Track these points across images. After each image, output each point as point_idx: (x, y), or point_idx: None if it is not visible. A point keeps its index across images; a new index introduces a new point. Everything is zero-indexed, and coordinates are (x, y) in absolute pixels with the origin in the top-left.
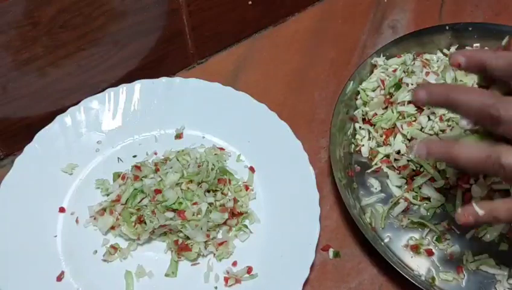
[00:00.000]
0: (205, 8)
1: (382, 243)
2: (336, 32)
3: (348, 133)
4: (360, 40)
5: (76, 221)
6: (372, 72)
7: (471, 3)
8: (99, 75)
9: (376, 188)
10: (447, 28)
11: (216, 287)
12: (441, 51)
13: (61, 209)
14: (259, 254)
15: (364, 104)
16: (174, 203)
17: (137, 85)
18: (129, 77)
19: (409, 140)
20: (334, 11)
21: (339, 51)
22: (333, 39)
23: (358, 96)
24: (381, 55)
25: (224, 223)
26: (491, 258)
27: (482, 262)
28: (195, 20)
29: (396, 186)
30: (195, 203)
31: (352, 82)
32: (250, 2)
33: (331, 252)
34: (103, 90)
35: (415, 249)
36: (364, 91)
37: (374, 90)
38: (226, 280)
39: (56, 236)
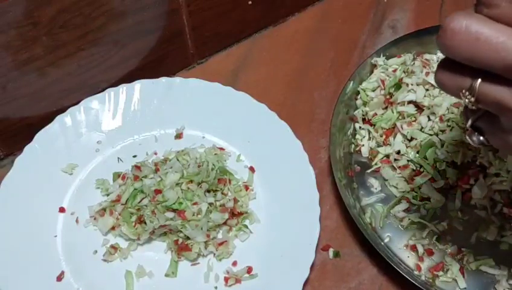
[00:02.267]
0: (205, 8)
1: (382, 243)
2: (336, 32)
3: (348, 133)
4: (360, 40)
5: (76, 221)
6: (372, 72)
7: (471, 3)
8: (99, 75)
9: (376, 188)
10: None
11: (216, 287)
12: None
13: (61, 209)
14: (259, 254)
15: (364, 104)
16: (174, 203)
17: (137, 85)
18: (129, 77)
19: (409, 140)
20: (334, 11)
21: (339, 51)
22: (333, 39)
23: (358, 97)
24: (381, 55)
25: (225, 223)
26: (491, 259)
27: (482, 262)
28: (195, 20)
29: (396, 186)
30: (195, 203)
31: (352, 82)
32: (250, 2)
33: (331, 252)
34: (103, 90)
35: (415, 249)
36: (364, 91)
37: (374, 90)
38: (226, 279)
39: (56, 236)
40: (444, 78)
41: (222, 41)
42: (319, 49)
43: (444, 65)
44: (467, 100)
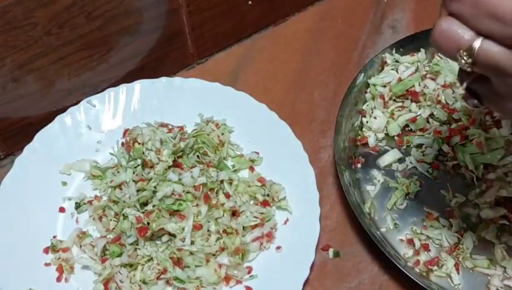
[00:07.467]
0: (205, 8)
1: (378, 233)
2: (336, 32)
3: (355, 124)
4: (360, 40)
5: (77, 221)
6: (383, 67)
7: None
8: (99, 75)
9: (379, 180)
10: None
11: (215, 288)
12: None
13: (61, 209)
14: (259, 254)
15: (373, 98)
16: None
17: (137, 85)
18: (129, 77)
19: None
20: (334, 11)
21: (339, 51)
22: (333, 39)
23: (368, 90)
24: (394, 52)
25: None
26: (487, 258)
27: (478, 261)
28: (195, 20)
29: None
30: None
31: (362, 74)
32: (250, 2)
33: (331, 252)
34: (103, 90)
35: (412, 242)
36: (374, 86)
37: (383, 86)
38: (227, 280)
39: (56, 236)
40: (442, 39)
41: (222, 41)
42: (319, 49)
43: (442, 26)
44: (463, 61)
